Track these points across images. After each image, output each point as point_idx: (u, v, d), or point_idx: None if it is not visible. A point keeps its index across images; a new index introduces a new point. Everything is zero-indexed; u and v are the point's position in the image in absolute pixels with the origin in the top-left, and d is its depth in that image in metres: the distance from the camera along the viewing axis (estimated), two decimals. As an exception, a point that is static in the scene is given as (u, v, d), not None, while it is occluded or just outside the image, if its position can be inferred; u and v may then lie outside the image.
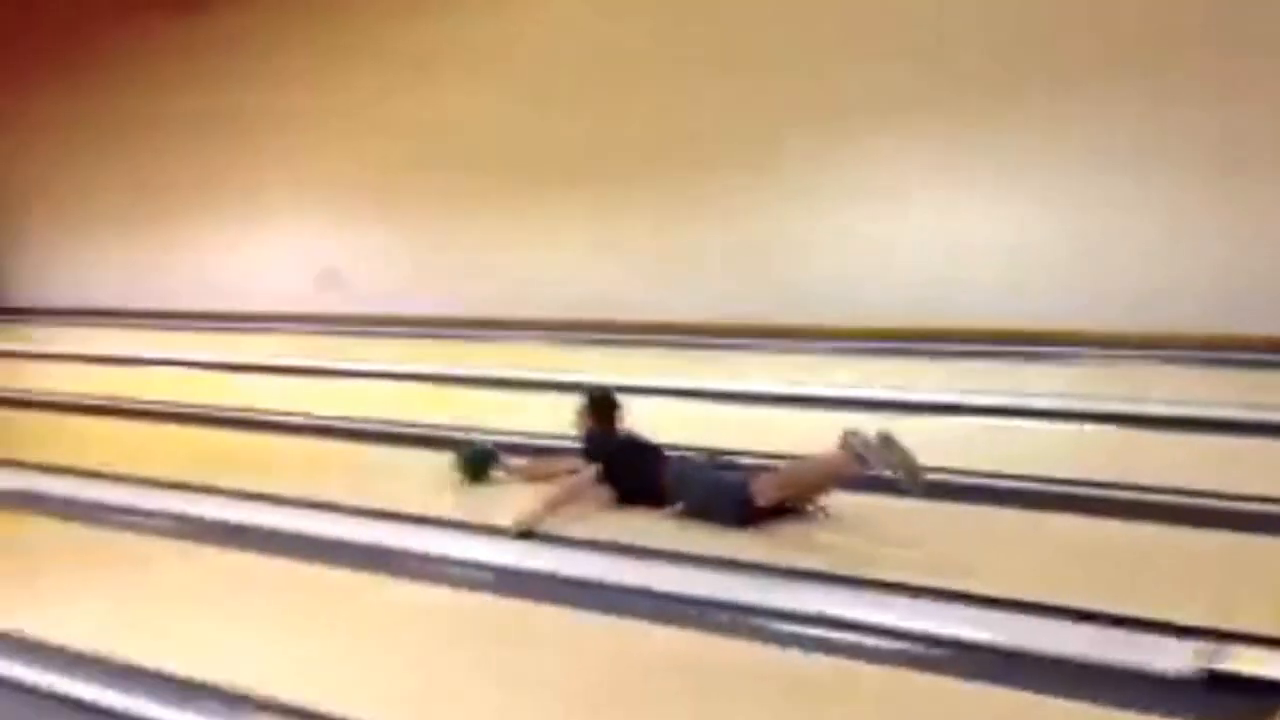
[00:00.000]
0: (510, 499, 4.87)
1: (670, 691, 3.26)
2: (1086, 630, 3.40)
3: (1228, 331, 7.70)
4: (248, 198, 12.26)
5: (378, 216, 11.40)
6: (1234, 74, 7.82)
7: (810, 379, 7.45)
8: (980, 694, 3.10)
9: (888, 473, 4.20)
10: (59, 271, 14.06)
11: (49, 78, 13.42)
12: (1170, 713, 2.88)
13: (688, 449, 5.09)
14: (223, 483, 5.66)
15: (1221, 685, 3.01)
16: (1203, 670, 3.04)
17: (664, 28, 9.58)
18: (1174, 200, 8.05)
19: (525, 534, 4.51)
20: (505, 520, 4.62)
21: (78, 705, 3.45)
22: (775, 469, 4.56)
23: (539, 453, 5.51)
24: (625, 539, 4.41)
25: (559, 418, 5.31)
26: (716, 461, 4.84)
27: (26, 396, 8.82)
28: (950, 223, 8.66)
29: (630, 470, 4.74)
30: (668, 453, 4.86)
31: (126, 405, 7.98)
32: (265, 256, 12.22)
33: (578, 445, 5.03)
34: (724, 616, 3.72)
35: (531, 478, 5.15)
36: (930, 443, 4.39)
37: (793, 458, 4.75)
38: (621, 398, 5.16)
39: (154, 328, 12.04)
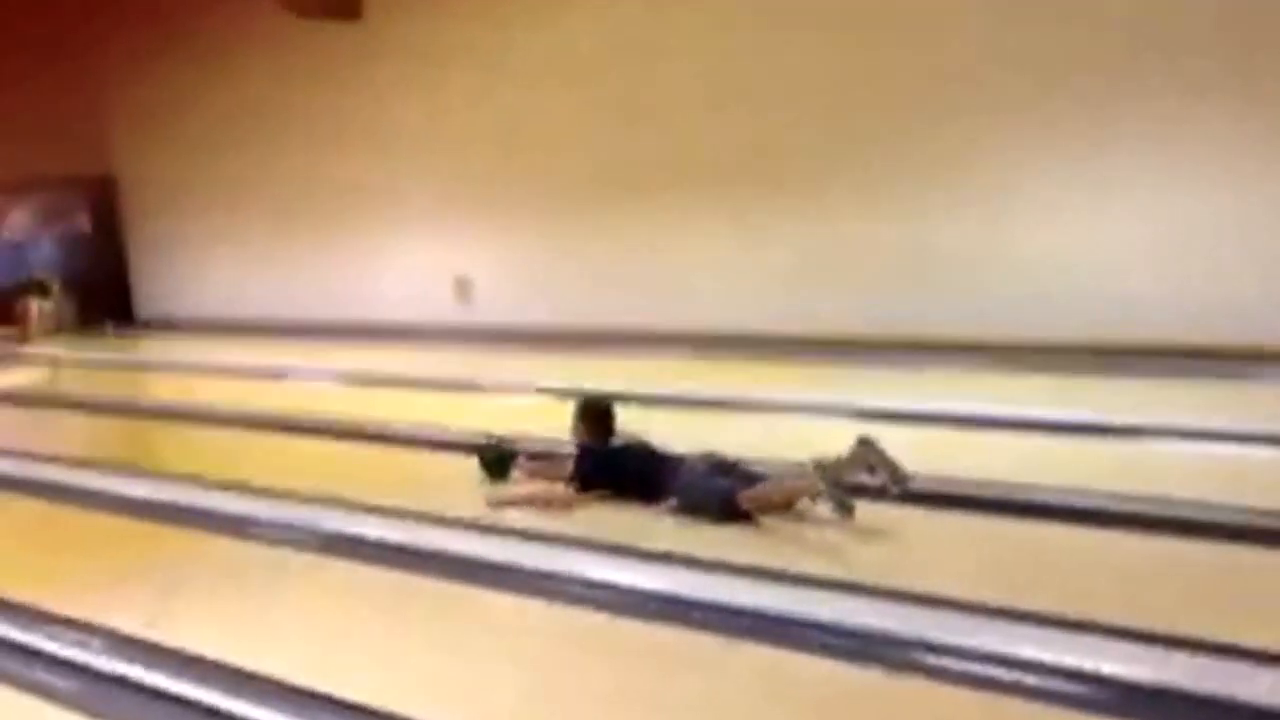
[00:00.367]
0: (627, 522, 4.99)
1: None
2: None
3: None
4: (385, 210, 12.37)
5: (514, 228, 11.41)
6: None
7: (957, 395, 7.15)
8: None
9: (868, 479, 4.62)
10: (192, 284, 14.39)
11: (191, 89, 13.78)
12: None
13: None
14: (356, 496, 5.64)
15: None
16: None
17: (795, 34, 9.38)
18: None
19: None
20: (630, 540, 4.71)
21: (210, 713, 3.49)
22: (763, 482, 4.94)
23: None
24: (736, 559, 4.39)
25: (692, 432, 5.42)
26: (714, 463, 5.11)
27: (162, 408, 8.99)
28: (1105, 232, 8.27)
29: (629, 469, 5.24)
30: (665, 454, 5.26)
31: (261, 418, 8.04)
32: (401, 269, 12.31)
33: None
34: (817, 635, 3.69)
35: (539, 476, 5.64)
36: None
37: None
38: (755, 414, 5.10)
39: (289, 341, 12.21)
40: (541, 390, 8.04)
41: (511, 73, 11.10)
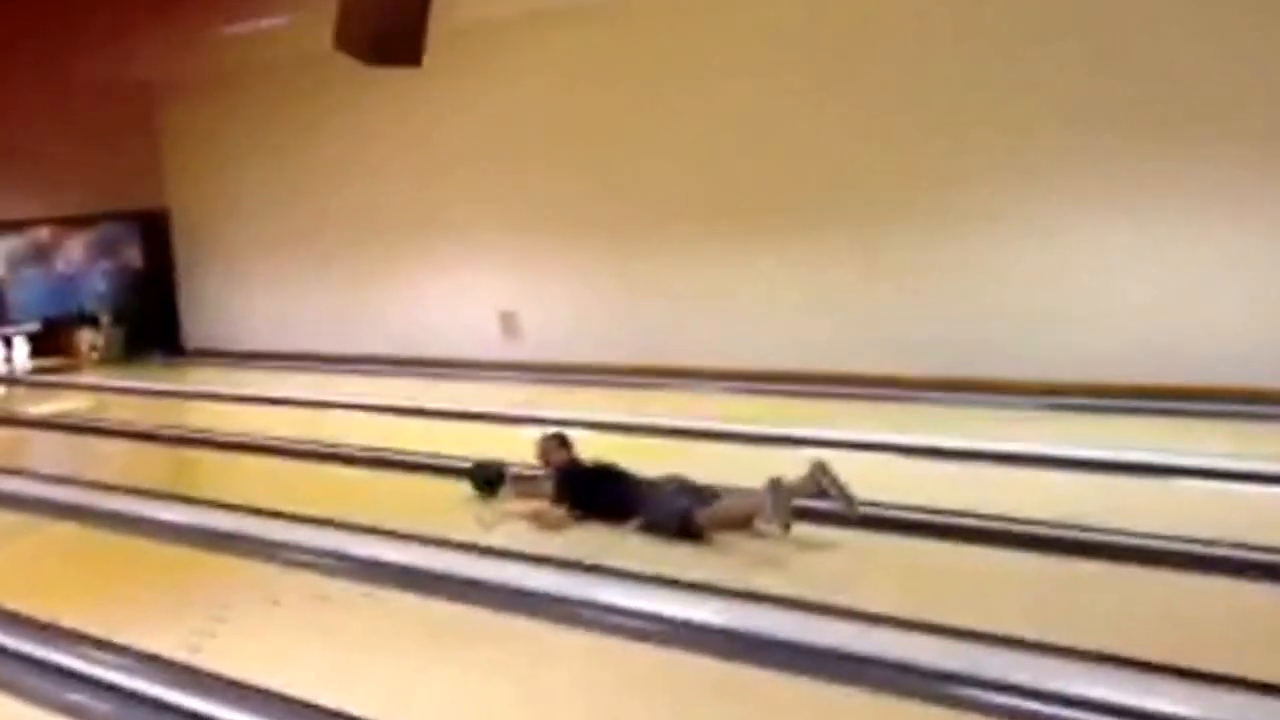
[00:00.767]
0: (661, 553, 5.11)
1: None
2: None
3: None
4: (433, 245, 12.45)
5: (562, 265, 11.45)
6: None
7: (1004, 435, 7.11)
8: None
9: (820, 501, 4.96)
10: (241, 317, 14.55)
11: (243, 126, 14.00)
12: None
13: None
14: (402, 526, 5.69)
15: None
16: None
17: (841, 74, 9.41)
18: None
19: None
20: (678, 573, 4.77)
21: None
22: (720, 502, 5.27)
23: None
24: (799, 593, 4.41)
25: (740, 467, 5.56)
26: (678, 485, 5.43)
27: (209, 436, 9.08)
28: (1147, 276, 8.20)
29: (600, 490, 5.64)
30: (633, 475, 5.66)
31: (305, 447, 8.11)
32: (448, 304, 12.39)
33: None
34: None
35: (524, 496, 6.00)
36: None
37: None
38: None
39: (334, 373, 12.31)
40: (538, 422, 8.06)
41: (558, 115, 11.19)
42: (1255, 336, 7.76)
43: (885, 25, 9.16)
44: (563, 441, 6.12)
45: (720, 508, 5.29)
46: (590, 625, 4.33)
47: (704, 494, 5.41)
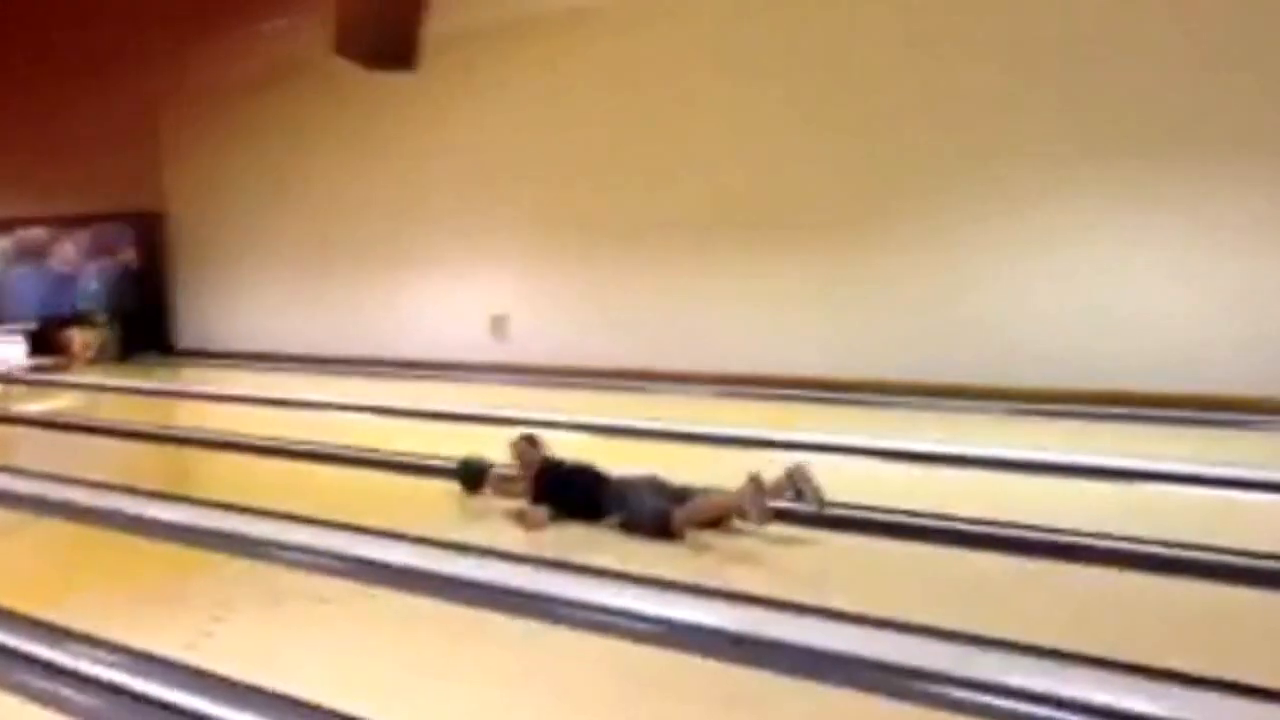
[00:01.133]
0: (652, 554, 5.16)
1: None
2: None
3: None
4: (424, 248, 12.56)
5: (551, 269, 11.55)
6: None
7: (977, 439, 7.24)
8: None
9: (794, 500, 5.15)
10: (234, 318, 14.63)
11: (238, 130, 14.09)
12: None
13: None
14: (391, 525, 5.79)
15: None
16: None
17: (829, 85, 9.53)
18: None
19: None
20: (666, 573, 4.84)
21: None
22: (693, 500, 5.42)
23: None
24: (786, 596, 4.49)
25: (721, 469, 5.57)
26: (654, 484, 5.58)
27: (203, 436, 9.17)
28: (1134, 283, 8.34)
29: (575, 489, 5.77)
30: (608, 475, 5.79)
31: (297, 447, 8.21)
32: (438, 306, 12.49)
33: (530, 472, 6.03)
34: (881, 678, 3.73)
35: (502, 492, 6.22)
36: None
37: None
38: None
39: (328, 373, 12.41)
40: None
41: (547, 118, 11.30)
42: (1217, 345, 7.92)
43: (871, 38, 9.29)
44: (532, 441, 6.26)
45: (695, 506, 5.41)
46: (579, 623, 4.43)
47: (679, 493, 5.54)
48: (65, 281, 15.06)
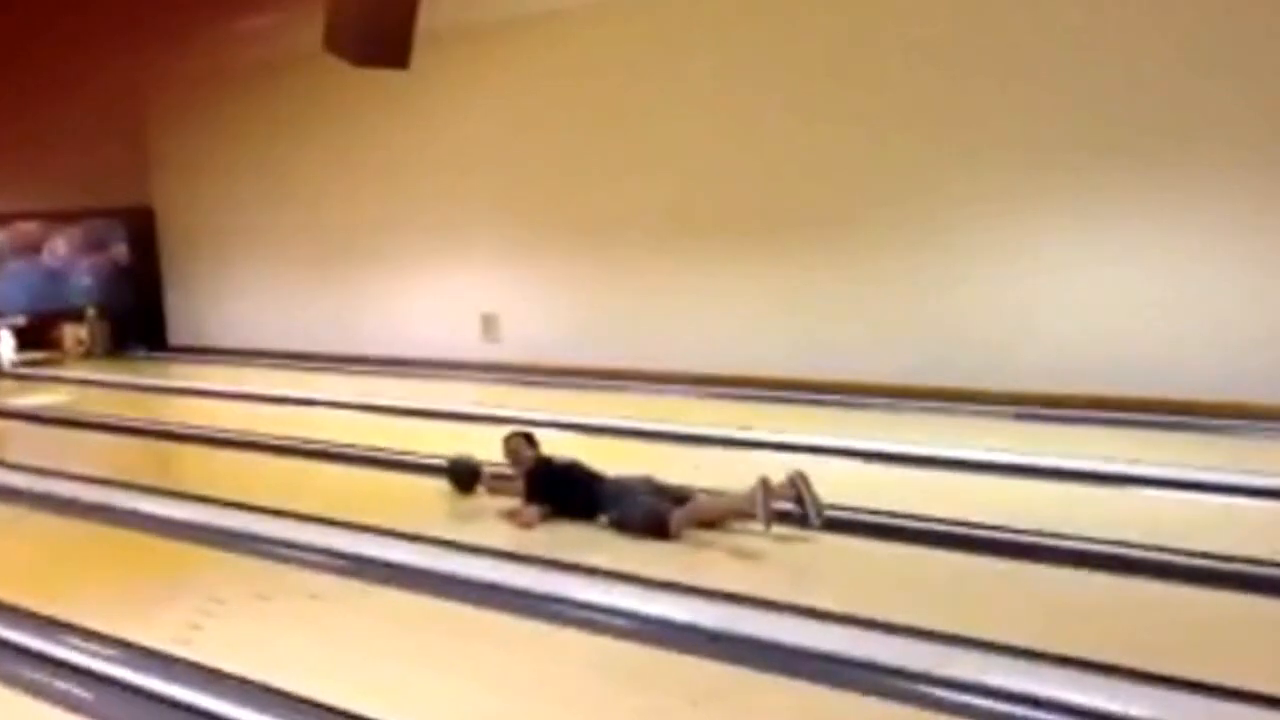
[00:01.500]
0: (646, 554, 5.21)
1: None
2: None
3: None
4: (415, 247, 12.57)
5: (541, 269, 11.58)
6: None
7: (968, 442, 7.31)
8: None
9: (793, 507, 5.25)
10: (224, 314, 14.65)
11: (229, 126, 14.12)
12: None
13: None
14: (388, 523, 5.84)
15: None
16: None
17: (818, 89, 9.57)
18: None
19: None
20: (660, 573, 4.89)
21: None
22: (694, 501, 5.53)
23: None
24: (766, 592, 4.55)
25: (713, 469, 5.65)
26: (647, 484, 5.65)
27: (194, 431, 9.21)
28: (1114, 286, 8.40)
29: (570, 488, 5.81)
30: (603, 475, 5.83)
31: (288, 444, 8.25)
32: (429, 305, 12.52)
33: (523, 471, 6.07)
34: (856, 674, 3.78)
35: (498, 492, 6.23)
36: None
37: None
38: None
39: (318, 370, 12.44)
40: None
41: (538, 117, 11.35)
42: (1194, 350, 7.98)
43: (863, 38, 9.33)
44: (529, 439, 6.25)
45: (699, 507, 5.50)
46: (568, 621, 4.49)
47: (678, 494, 5.60)
48: (56, 276, 15.06)
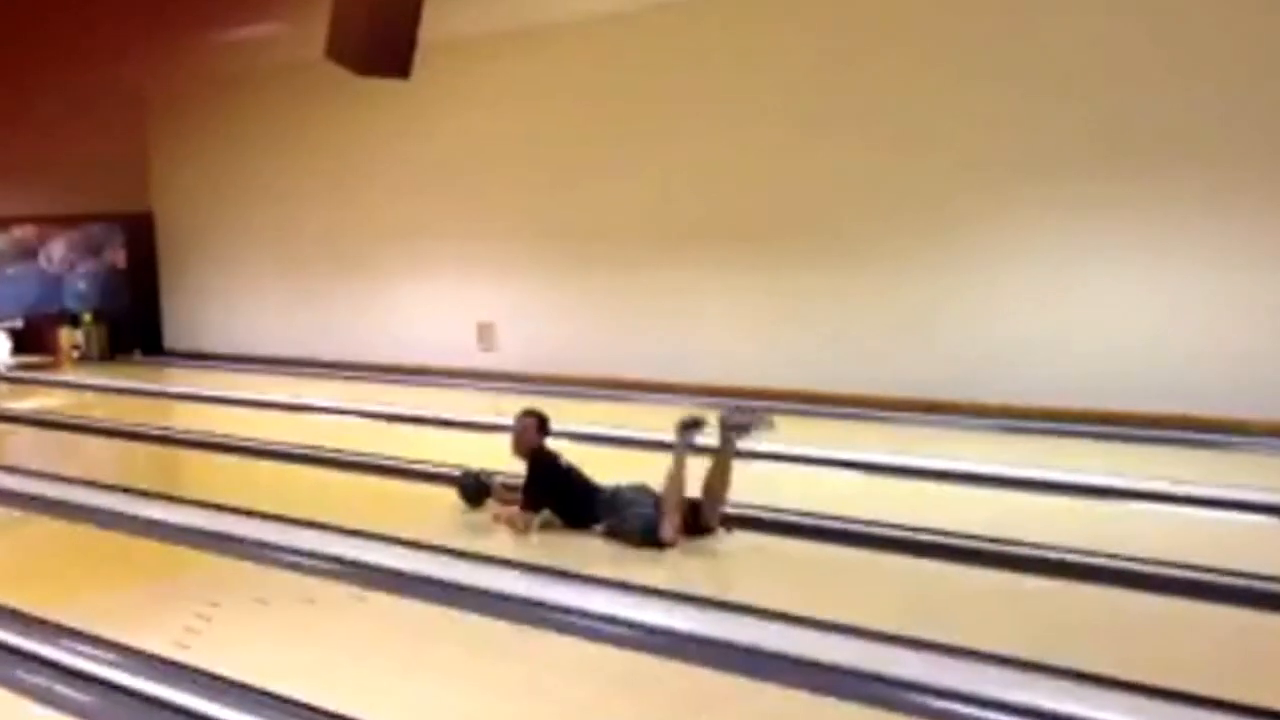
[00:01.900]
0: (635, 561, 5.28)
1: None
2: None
3: None
4: (412, 255, 12.59)
5: (538, 278, 11.60)
6: None
7: (960, 455, 7.33)
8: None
9: (738, 434, 5.55)
10: (221, 320, 14.65)
11: (227, 132, 14.15)
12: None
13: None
14: (384, 529, 5.85)
15: None
16: None
17: (824, 105, 9.60)
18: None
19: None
20: (658, 582, 4.94)
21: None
22: (662, 502, 5.49)
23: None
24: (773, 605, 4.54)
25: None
26: (644, 494, 5.63)
27: (190, 436, 9.22)
28: (1124, 302, 8.40)
29: (569, 493, 5.81)
30: (598, 484, 5.82)
31: (284, 449, 8.26)
32: (426, 313, 12.52)
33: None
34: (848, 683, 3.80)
35: (505, 501, 6.14)
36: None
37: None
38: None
39: (314, 376, 12.43)
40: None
41: (535, 127, 11.37)
42: (1190, 365, 8.00)
43: (865, 49, 9.36)
44: (542, 425, 6.01)
45: (666, 504, 5.44)
46: (565, 629, 4.51)
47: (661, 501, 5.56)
48: (53, 281, 15.05)
